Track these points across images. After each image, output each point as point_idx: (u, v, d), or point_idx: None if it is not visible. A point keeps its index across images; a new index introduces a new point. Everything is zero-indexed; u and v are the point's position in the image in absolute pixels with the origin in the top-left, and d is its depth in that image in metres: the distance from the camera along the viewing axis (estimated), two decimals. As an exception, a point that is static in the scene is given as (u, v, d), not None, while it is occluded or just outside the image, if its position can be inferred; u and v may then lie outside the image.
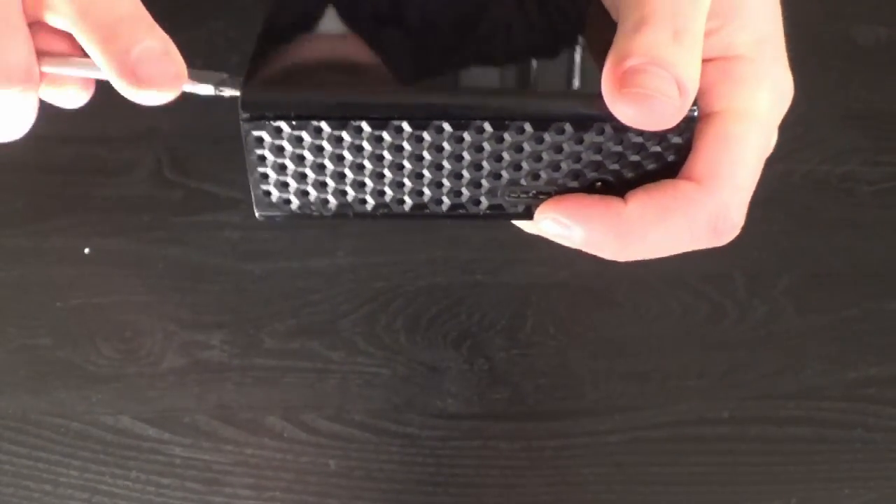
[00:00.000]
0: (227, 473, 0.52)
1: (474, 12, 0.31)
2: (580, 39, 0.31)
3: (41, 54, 0.30)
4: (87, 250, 0.54)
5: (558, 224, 0.29)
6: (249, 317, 0.54)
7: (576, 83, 0.29)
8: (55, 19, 0.29)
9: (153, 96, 0.30)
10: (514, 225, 0.58)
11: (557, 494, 0.52)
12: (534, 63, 0.30)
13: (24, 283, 0.54)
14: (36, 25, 0.30)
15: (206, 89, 0.31)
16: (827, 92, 0.57)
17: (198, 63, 0.58)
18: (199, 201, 0.55)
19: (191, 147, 0.55)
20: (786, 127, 0.59)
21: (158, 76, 0.30)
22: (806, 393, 0.54)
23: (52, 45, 0.30)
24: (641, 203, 0.28)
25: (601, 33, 0.30)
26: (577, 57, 0.30)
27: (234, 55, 0.56)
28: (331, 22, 0.32)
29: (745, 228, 0.59)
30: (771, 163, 0.58)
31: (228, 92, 0.30)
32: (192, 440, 0.52)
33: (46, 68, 0.31)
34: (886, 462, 0.53)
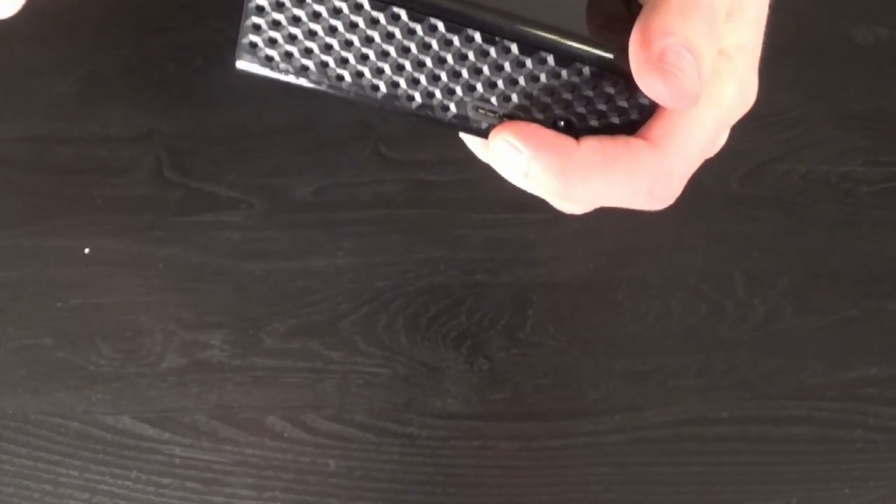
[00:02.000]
0: (227, 473, 0.52)
1: None
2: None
3: None
4: (87, 250, 0.54)
5: (510, 146, 0.30)
6: (249, 317, 0.54)
7: (568, 21, 0.31)
8: None
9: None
10: (513, 225, 0.58)
11: (557, 494, 0.52)
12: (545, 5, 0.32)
13: (24, 283, 0.54)
14: None
15: None
16: (827, 92, 0.57)
17: (197, 62, 0.59)
18: (199, 201, 0.55)
19: (191, 147, 0.55)
20: (786, 127, 0.60)
21: None
22: (806, 393, 0.54)
23: None
24: (592, 147, 0.30)
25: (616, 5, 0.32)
26: (580, 4, 0.32)
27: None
28: None
29: (745, 228, 0.60)
30: (771, 163, 0.58)
31: None
32: (192, 440, 0.52)
33: None
34: (886, 462, 0.53)
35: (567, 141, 0.30)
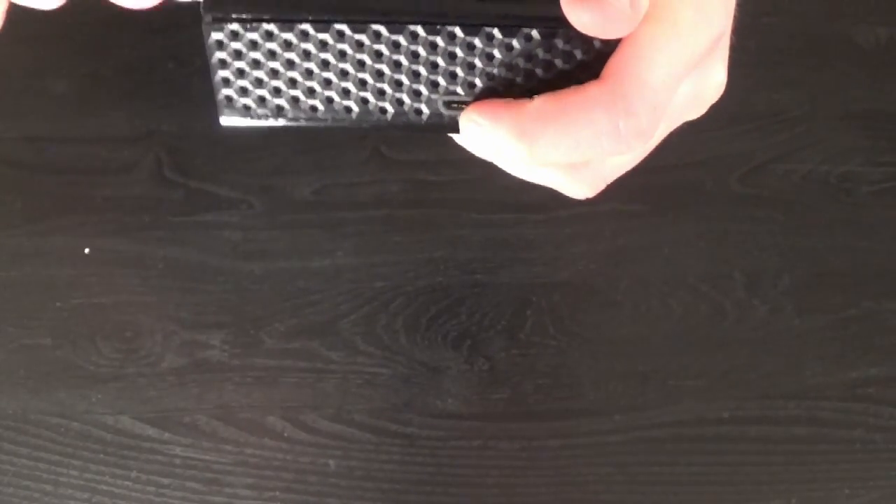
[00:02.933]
0: (227, 473, 0.52)
1: None
2: None
3: None
4: (87, 250, 0.54)
5: (475, 125, 0.30)
6: (249, 317, 0.54)
7: None
8: None
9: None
10: (514, 225, 0.58)
11: (557, 494, 0.52)
12: None
13: (24, 283, 0.54)
14: None
15: None
16: (827, 92, 0.57)
17: (197, 62, 0.59)
18: (199, 201, 0.55)
19: (191, 147, 0.55)
20: (786, 127, 0.60)
21: None
22: (806, 393, 0.54)
23: None
24: (544, 99, 0.29)
25: None
26: None
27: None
28: None
29: (745, 228, 0.59)
30: (771, 163, 0.58)
31: None
32: (192, 440, 0.52)
33: None
34: (886, 462, 0.53)
35: (522, 102, 0.30)
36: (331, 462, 0.52)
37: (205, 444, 0.52)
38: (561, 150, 0.29)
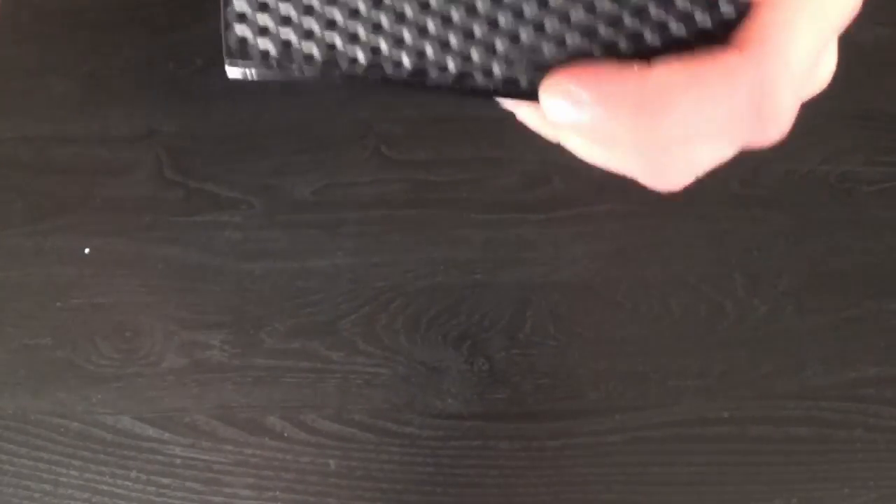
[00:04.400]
0: (227, 473, 0.52)
1: None
2: None
3: None
4: (87, 250, 0.54)
5: (567, 98, 0.24)
6: (249, 317, 0.54)
7: None
8: None
9: None
10: (513, 225, 0.58)
11: (557, 494, 0.52)
12: None
13: (24, 283, 0.54)
14: None
15: None
16: (827, 92, 0.57)
17: (197, 62, 0.59)
18: (199, 201, 0.55)
19: (191, 147, 0.55)
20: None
21: None
22: (806, 393, 0.54)
23: None
24: (669, 66, 0.23)
25: None
26: None
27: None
28: None
29: (745, 228, 0.59)
30: (771, 163, 0.58)
31: None
32: (192, 440, 0.52)
33: None
34: (886, 462, 0.53)
35: (634, 66, 0.23)
36: (331, 462, 0.52)
37: (205, 444, 0.52)
38: (684, 133, 0.23)
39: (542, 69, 0.24)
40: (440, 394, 0.53)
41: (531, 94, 0.25)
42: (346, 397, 0.53)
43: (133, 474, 0.52)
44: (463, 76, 0.25)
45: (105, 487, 0.51)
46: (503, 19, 0.24)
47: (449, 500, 0.52)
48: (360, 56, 0.25)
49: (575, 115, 0.23)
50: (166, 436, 0.52)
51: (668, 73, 0.23)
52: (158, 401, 0.52)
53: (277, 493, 0.52)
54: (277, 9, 0.25)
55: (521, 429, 0.53)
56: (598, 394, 0.53)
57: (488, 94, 0.25)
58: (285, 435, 0.52)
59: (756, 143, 0.24)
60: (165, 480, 0.52)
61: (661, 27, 0.24)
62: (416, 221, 0.55)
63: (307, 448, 0.52)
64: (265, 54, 0.25)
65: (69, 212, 0.55)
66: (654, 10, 0.24)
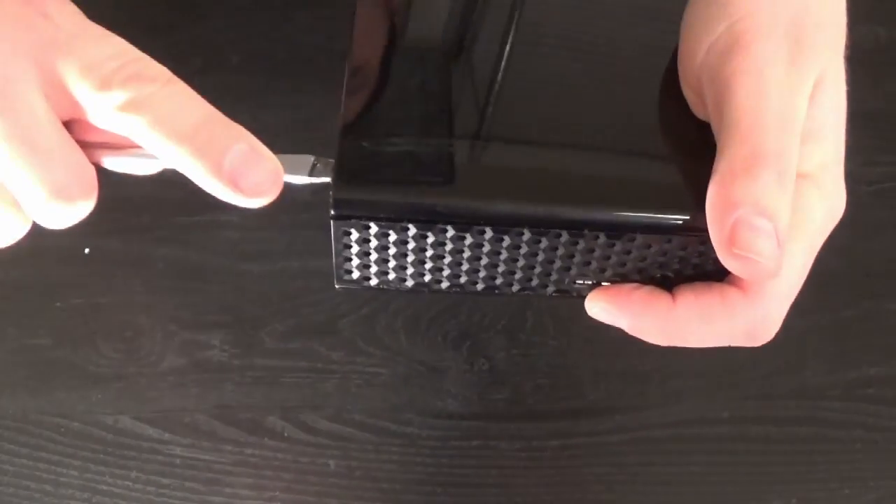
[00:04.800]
0: (227, 473, 0.52)
1: (559, 107, 0.32)
2: (654, 129, 0.32)
3: (94, 147, 0.29)
4: (87, 250, 0.54)
5: (607, 313, 0.32)
6: (249, 317, 0.54)
7: (649, 186, 0.30)
8: (116, 125, 0.28)
9: (257, 202, 0.30)
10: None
11: (557, 494, 0.52)
12: (613, 160, 0.31)
13: (24, 283, 0.54)
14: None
15: (300, 179, 0.32)
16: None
17: (197, 62, 0.59)
18: (199, 201, 0.55)
19: (191, 147, 0.55)
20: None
21: (259, 181, 0.30)
22: (806, 393, 0.54)
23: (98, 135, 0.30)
24: (688, 304, 0.31)
25: (679, 126, 0.31)
26: (651, 149, 0.31)
27: (234, 55, 0.56)
28: (415, 91, 0.33)
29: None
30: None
31: (321, 179, 0.31)
32: (192, 440, 0.52)
33: (107, 160, 0.30)
34: (886, 462, 0.53)
35: (663, 299, 0.31)
36: (331, 462, 0.52)
37: (205, 444, 0.52)
38: (694, 344, 0.32)
39: (587, 281, 0.32)
40: (440, 394, 0.53)
41: (578, 298, 0.33)
42: (345, 397, 0.53)
43: (133, 474, 0.52)
44: (523, 290, 0.32)
45: (105, 487, 0.51)
46: (558, 261, 0.31)
47: (449, 500, 0.52)
48: (444, 284, 0.32)
49: (612, 322, 0.32)
50: (166, 436, 0.52)
51: (686, 309, 0.31)
52: (158, 401, 0.52)
53: (277, 493, 0.52)
54: (378, 255, 0.31)
55: (521, 429, 0.53)
56: (598, 394, 0.53)
57: (540, 297, 0.33)
58: (285, 435, 0.52)
59: (745, 346, 0.32)
60: (165, 480, 0.52)
61: (681, 260, 0.31)
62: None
63: (307, 448, 0.52)
64: (367, 279, 0.32)
65: (69, 212, 0.55)
66: (677, 252, 0.31)
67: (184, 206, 0.55)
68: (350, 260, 0.31)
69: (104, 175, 0.56)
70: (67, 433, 0.52)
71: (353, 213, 0.29)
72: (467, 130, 0.31)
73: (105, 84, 0.27)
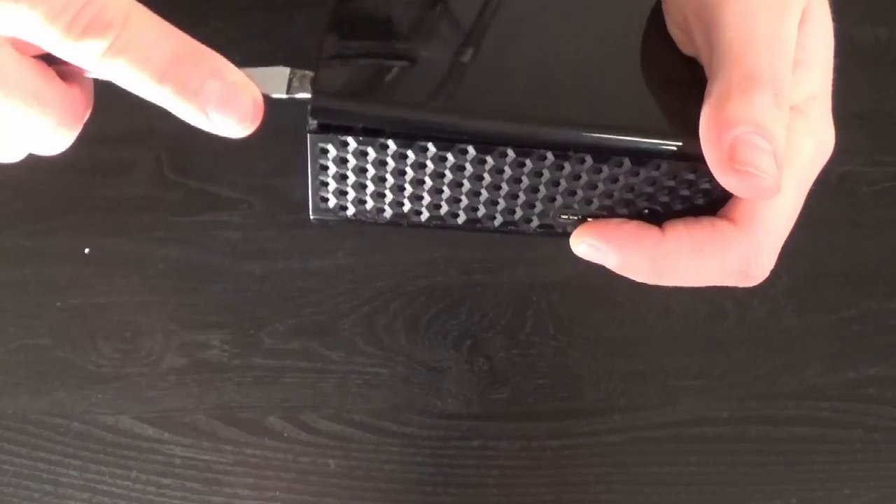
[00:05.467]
0: (227, 473, 0.52)
1: (546, 37, 0.32)
2: (642, 63, 0.31)
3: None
4: (87, 250, 0.54)
5: (594, 249, 0.30)
6: (249, 317, 0.54)
7: (637, 114, 0.30)
8: (91, 70, 0.28)
9: (236, 131, 0.29)
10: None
11: (557, 494, 0.52)
12: (599, 88, 0.30)
13: (24, 283, 0.54)
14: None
15: (278, 95, 0.31)
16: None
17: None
18: (199, 201, 0.55)
19: (191, 147, 0.55)
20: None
21: (240, 112, 0.29)
22: (806, 393, 0.54)
23: None
24: (678, 236, 0.30)
25: (667, 62, 0.31)
26: (639, 82, 0.31)
27: (234, 55, 0.56)
28: (400, 12, 0.32)
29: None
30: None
31: (300, 95, 0.30)
32: (192, 440, 0.52)
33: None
34: (886, 462, 0.53)
35: (652, 232, 0.30)
36: (331, 462, 0.52)
37: (205, 444, 0.52)
38: (683, 280, 0.30)
39: (572, 216, 0.30)
40: (440, 394, 0.53)
41: (563, 235, 0.31)
42: (345, 397, 0.53)
43: (133, 474, 0.52)
44: (506, 224, 0.31)
45: (105, 487, 0.51)
46: (543, 189, 0.29)
47: (449, 500, 0.52)
48: (424, 214, 0.31)
49: (599, 259, 0.30)
50: (166, 436, 0.52)
51: (678, 241, 0.30)
52: (158, 401, 0.52)
53: (277, 493, 0.52)
54: (356, 178, 0.29)
55: (521, 429, 0.53)
56: (598, 394, 0.53)
57: (525, 235, 0.31)
58: (285, 435, 0.52)
59: (739, 286, 0.31)
60: (165, 480, 0.52)
61: (670, 191, 0.30)
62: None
63: (307, 448, 0.52)
64: (343, 208, 0.31)
65: (69, 212, 0.55)
66: (666, 181, 0.29)
67: (184, 206, 0.55)
68: (326, 185, 0.30)
69: (104, 175, 0.56)
70: (67, 433, 0.52)
71: (332, 123, 0.28)
72: (452, 50, 0.30)
73: (69, 32, 0.27)
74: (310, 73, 0.29)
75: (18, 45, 0.27)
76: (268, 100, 0.30)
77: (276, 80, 0.30)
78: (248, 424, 0.52)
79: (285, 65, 0.31)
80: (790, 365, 0.54)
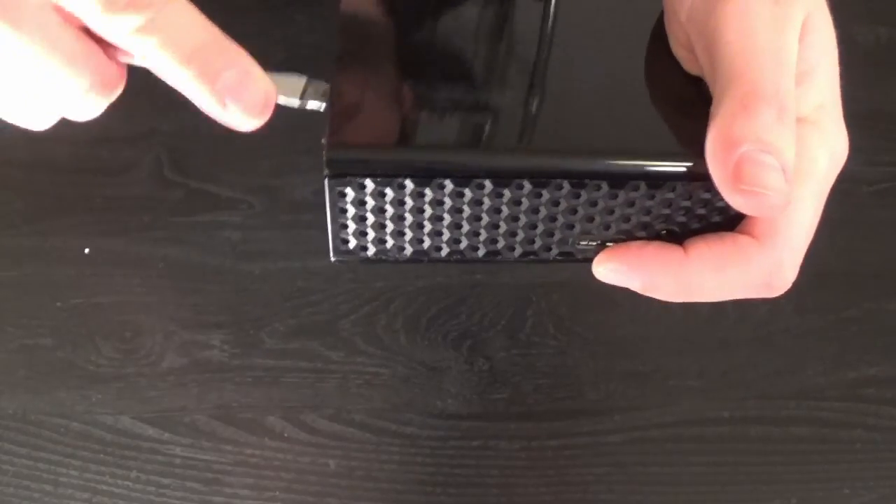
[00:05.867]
0: (227, 473, 0.52)
1: (553, 68, 0.32)
2: (649, 86, 0.32)
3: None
4: (87, 250, 0.54)
5: (617, 273, 0.30)
6: (249, 317, 0.54)
7: (649, 137, 0.30)
8: (123, 46, 0.29)
9: (245, 123, 0.30)
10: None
11: (557, 494, 0.52)
12: (610, 114, 0.31)
13: (24, 283, 0.54)
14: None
15: (292, 102, 0.31)
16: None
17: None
18: (199, 201, 0.55)
19: (191, 147, 0.55)
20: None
21: (248, 104, 0.29)
22: (806, 393, 0.54)
23: None
24: (700, 254, 0.30)
25: (674, 83, 0.31)
26: (648, 105, 0.31)
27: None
28: (408, 48, 0.32)
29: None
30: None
31: (313, 105, 0.31)
32: (192, 440, 0.52)
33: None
34: (886, 462, 0.53)
35: (675, 252, 0.30)
36: (331, 462, 0.52)
37: (205, 444, 0.52)
38: (707, 297, 0.31)
39: (591, 241, 0.31)
40: (440, 394, 0.53)
41: (584, 261, 0.31)
42: (345, 397, 0.53)
43: (133, 474, 0.52)
44: (526, 254, 0.31)
45: (105, 487, 0.51)
46: (561, 217, 0.30)
47: (449, 500, 0.52)
48: (444, 250, 0.31)
49: (624, 283, 0.30)
50: (166, 436, 0.52)
51: (700, 260, 0.30)
52: (158, 401, 0.52)
53: (277, 493, 0.52)
54: (375, 219, 0.30)
55: (521, 429, 0.53)
56: (598, 394, 0.53)
57: (546, 262, 0.31)
58: (285, 435, 0.52)
59: (762, 297, 0.31)
60: (165, 480, 0.52)
61: (686, 210, 0.30)
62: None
63: (307, 448, 0.52)
64: (363, 248, 0.31)
65: (69, 212, 0.55)
66: (681, 202, 0.30)
67: (184, 206, 0.55)
68: (346, 227, 0.31)
69: (104, 175, 0.56)
70: (67, 433, 0.52)
71: (348, 171, 0.29)
72: (461, 87, 0.31)
73: (112, 5, 0.27)
74: (325, 84, 0.30)
75: (62, 15, 0.28)
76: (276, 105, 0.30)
77: (292, 87, 0.31)
78: (248, 424, 0.52)
79: (286, 65, 0.31)
80: (790, 365, 0.54)
